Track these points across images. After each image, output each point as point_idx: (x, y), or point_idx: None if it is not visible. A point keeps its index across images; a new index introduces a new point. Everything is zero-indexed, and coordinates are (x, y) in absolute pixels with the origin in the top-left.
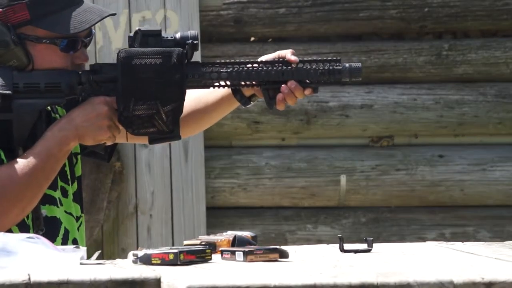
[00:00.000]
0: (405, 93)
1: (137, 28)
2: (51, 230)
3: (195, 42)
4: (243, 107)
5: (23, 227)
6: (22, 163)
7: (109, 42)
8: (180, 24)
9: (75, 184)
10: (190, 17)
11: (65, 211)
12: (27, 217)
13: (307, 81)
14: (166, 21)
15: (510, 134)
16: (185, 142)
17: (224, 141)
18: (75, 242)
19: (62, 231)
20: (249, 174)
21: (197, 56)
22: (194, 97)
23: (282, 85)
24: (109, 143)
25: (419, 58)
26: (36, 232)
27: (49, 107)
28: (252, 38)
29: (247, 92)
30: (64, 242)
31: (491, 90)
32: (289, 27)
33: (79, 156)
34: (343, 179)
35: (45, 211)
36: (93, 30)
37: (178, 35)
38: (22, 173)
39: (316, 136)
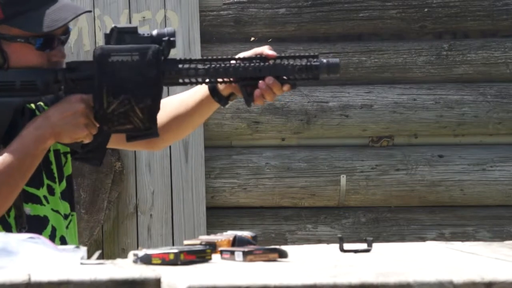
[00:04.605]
0: (405, 93)
1: (113, 25)
2: (35, 228)
3: (171, 39)
4: (222, 107)
5: (5, 226)
6: None
7: None
8: (180, 24)
9: (64, 183)
10: (190, 17)
11: (52, 209)
12: (9, 215)
13: (285, 77)
14: (166, 21)
15: (510, 134)
16: (185, 142)
17: (224, 141)
18: (63, 239)
19: (49, 229)
20: (249, 174)
21: (197, 56)
22: (175, 102)
23: (260, 81)
24: (86, 141)
25: (419, 58)
26: (19, 230)
27: (33, 105)
28: (252, 38)
29: (225, 91)
30: (51, 240)
31: (490, 90)
32: (289, 27)
33: (68, 155)
34: (343, 179)
35: (29, 209)
36: (70, 27)
37: (154, 32)
38: None
39: (316, 136)
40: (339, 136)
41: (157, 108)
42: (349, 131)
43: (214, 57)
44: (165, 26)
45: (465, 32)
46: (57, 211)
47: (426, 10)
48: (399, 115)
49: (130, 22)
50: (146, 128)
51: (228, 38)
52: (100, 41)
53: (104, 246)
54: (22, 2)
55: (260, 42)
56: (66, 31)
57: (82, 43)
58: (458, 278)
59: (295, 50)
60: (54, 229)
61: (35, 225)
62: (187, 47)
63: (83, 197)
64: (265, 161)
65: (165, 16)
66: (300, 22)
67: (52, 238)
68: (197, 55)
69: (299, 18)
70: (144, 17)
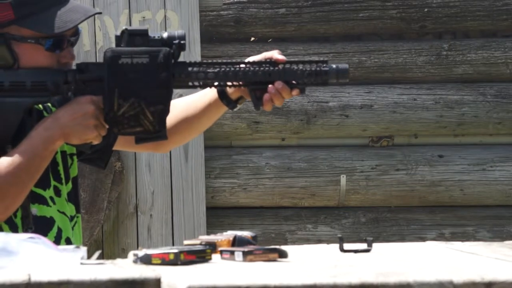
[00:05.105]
0: (405, 93)
1: (123, 27)
2: (41, 228)
3: (182, 42)
4: (231, 110)
5: (12, 226)
6: (6, 162)
7: (110, 42)
8: (180, 24)
9: (70, 184)
10: (190, 17)
11: (58, 210)
12: (16, 215)
13: (294, 82)
14: (166, 21)
15: (510, 134)
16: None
17: (224, 141)
18: (68, 241)
19: (54, 230)
20: (249, 174)
21: (197, 56)
22: (184, 104)
23: (269, 86)
24: (95, 143)
25: (419, 58)
26: (25, 230)
27: (41, 106)
28: (252, 38)
29: (234, 95)
30: (57, 241)
31: (490, 90)
32: (289, 27)
33: (75, 157)
34: (343, 179)
35: (36, 209)
36: (80, 29)
37: (165, 35)
38: (6, 171)
39: (316, 136)
40: (339, 136)
41: (167, 111)
42: (349, 131)
43: (224, 60)
44: (165, 26)
45: (465, 32)
46: (63, 213)
47: (426, 10)
48: (399, 115)
49: (130, 22)
50: (156, 131)
51: (228, 38)
52: (100, 41)
53: (104, 246)
54: (33, 3)
55: (260, 42)
56: (76, 33)
57: (82, 43)
58: (458, 278)
59: (295, 50)
60: (60, 230)
61: (41, 226)
62: (187, 47)
63: (83, 197)
64: (265, 161)
65: (165, 16)
66: (300, 22)
67: (58, 239)
68: (197, 55)
69: (299, 18)
70: (144, 17)
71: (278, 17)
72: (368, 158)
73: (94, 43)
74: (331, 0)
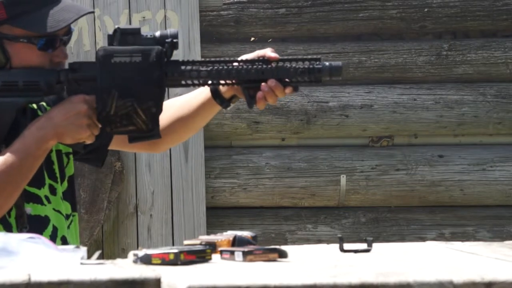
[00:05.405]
0: (405, 93)
1: (116, 26)
2: (36, 228)
3: (174, 40)
4: (224, 109)
5: (6, 226)
6: None
7: None
8: (180, 24)
9: (65, 183)
10: (190, 17)
11: (54, 209)
12: (10, 215)
13: (287, 79)
14: (166, 21)
15: (510, 134)
16: (185, 142)
17: (224, 141)
18: (64, 240)
19: (50, 229)
20: (249, 174)
21: (197, 57)
22: (178, 104)
23: (262, 84)
24: (88, 142)
25: (419, 58)
26: (19, 230)
27: (35, 105)
28: (252, 38)
29: (227, 93)
30: (52, 240)
31: (490, 90)
32: (289, 27)
33: (71, 156)
34: (343, 179)
35: (30, 209)
36: (72, 28)
37: (157, 34)
38: None
39: (316, 136)
40: (339, 136)
41: (159, 110)
42: (349, 131)
43: (217, 59)
44: (165, 26)
45: (465, 32)
46: (58, 211)
47: (426, 10)
48: (399, 115)
49: (130, 22)
50: (149, 130)
51: (228, 38)
52: (100, 41)
53: (104, 246)
54: (25, 2)
55: (260, 42)
56: (68, 32)
57: (82, 43)
58: (458, 278)
59: (295, 50)
60: (55, 229)
61: (36, 225)
62: (187, 47)
63: (83, 197)
64: (265, 161)
65: (165, 16)
66: (300, 22)
67: (53, 238)
68: (197, 55)
69: (299, 18)
70: (144, 17)
71: (278, 17)
72: (368, 158)
73: (94, 43)
74: (331, 0)
